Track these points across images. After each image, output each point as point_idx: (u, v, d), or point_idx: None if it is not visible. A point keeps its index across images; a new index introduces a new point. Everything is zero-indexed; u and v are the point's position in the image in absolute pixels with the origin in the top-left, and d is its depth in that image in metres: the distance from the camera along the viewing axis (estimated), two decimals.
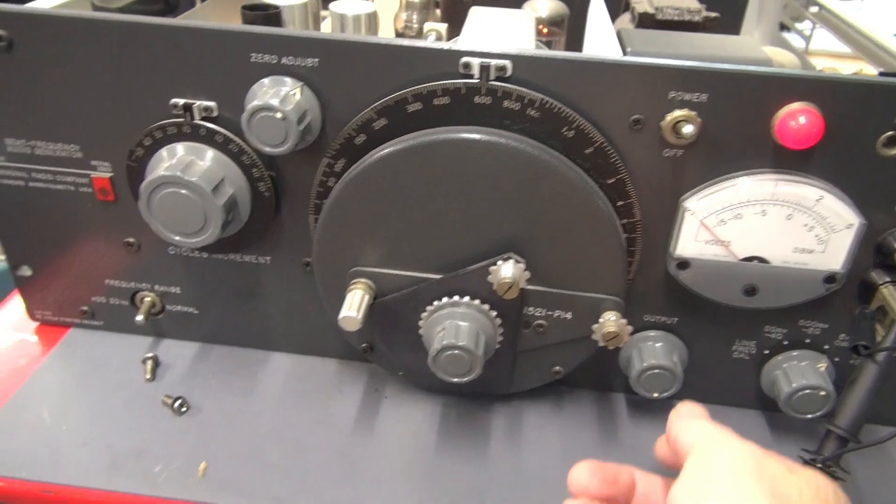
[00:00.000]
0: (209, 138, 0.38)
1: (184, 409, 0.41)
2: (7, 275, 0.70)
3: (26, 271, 0.45)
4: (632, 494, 0.32)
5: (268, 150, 0.35)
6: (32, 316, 0.47)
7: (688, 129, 0.33)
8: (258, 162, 0.38)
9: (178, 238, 0.38)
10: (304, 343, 0.46)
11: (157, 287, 0.44)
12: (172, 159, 0.37)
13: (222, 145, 0.38)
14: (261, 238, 0.41)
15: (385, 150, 0.35)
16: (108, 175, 0.40)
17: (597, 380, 0.44)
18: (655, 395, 0.40)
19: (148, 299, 0.45)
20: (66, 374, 0.44)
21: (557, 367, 0.41)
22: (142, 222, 0.41)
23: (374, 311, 0.39)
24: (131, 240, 0.43)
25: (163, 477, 0.37)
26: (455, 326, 0.36)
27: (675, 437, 0.30)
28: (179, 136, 0.38)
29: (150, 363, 0.44)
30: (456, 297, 0.38)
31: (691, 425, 0.29)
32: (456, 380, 0.37)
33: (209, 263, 0.43)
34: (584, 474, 0.31)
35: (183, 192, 0.36)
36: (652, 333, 0.41)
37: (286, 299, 0.44)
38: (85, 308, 0.46)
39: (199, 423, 0.41)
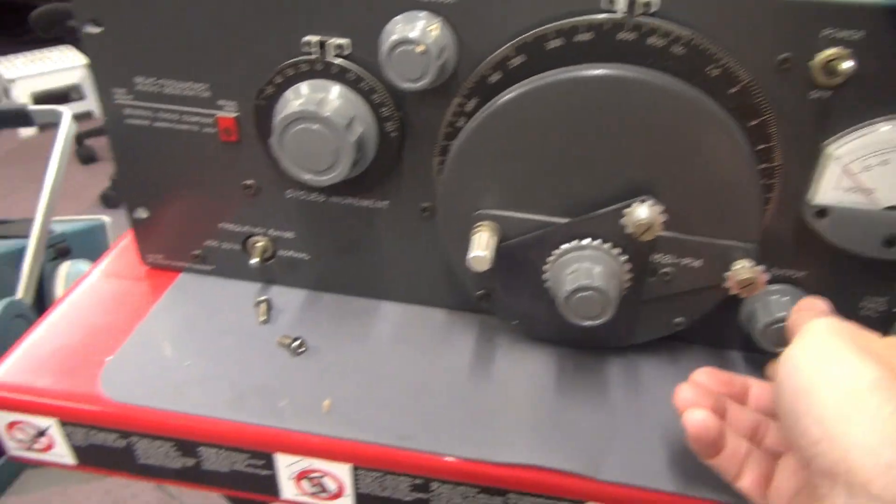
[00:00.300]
0: (340, 76, 0.38)
1: (301, 350, 0.41)
2: (99, 230, 0.72)
3: (143, 213, 0.45)
4: (746, 396, 0.36)
5: (406, 85, 0.35)
6: (144, 259, 0.48)
7: (847, 65, 0.32)
8: (388, 101, 0.38)
9: (308, 176, 0.38)
10: (414, 292, 0.45)
11: (270, 232, 0.45)
12: (304, 96, 0.37)
13: (353, 83, 0.38)
14: (381, 181, 0.41)
15: (523, 88, 0.35)
16: (234, 115, 0.40)
17: (712, 336, 0.43)
18: (781, 349, 0.39)
19: (260, 244, 0.45)
20: (180, 315, 0.44)
21: (679, 319, 0.40)
22: (262, 164, 0.42)
23: (496, 255, 0.38)
24: (250, 182, 0.43)
25: (288, 411, 0.38)
26: (588, 267, 0.36)
27: (792, 327, 0.34)
28: (311, 74, 0.38)
29: (263, 306, 0.44)
30: (585, 241, 0.37)
31: (808, 315, 0.34)
32: (587, 323, 0.36)
33: (325, 208, 0.43)
34: (703, 374, 0.36)
35: (316, 127, 0.36)
36: (777, 287, 0.40)
37: (400, 246, 0.44)
38: (197, 252, 0.46)
39: (317, 364, 0.41)
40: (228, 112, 0.40)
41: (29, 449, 0.40)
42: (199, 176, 0.43)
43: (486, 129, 0.36)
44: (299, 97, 0.37)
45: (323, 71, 0.38)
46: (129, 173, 0.44)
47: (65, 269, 0.59)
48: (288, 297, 0.46)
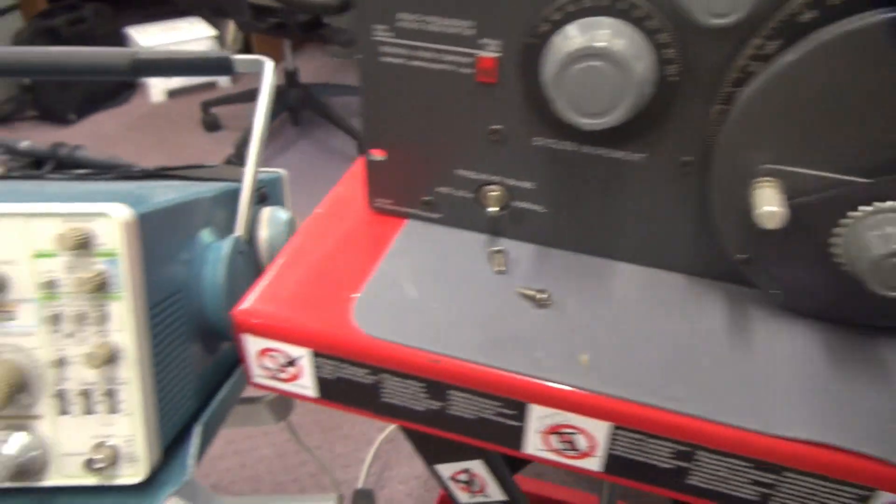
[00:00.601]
0: (627, 13, 0.35)
1: (547, 302, 0.40)
2: (279, 181, 0.74)
3: (379, 155, 0.45)
4: None
5: (713, 21, 0.33)
6: (371, 203, 0.48)
7: None
8: (674, 42, 0.35)
9: (584, 120, 0.36)
10: (655, 254, 0.43)
11: (507, 181, 0.43)
12: (588, 33, 0.35)
13: (639, 21, 0.35)
14: (643, 130, 0.39)
15: (847, 27, 0.32)
16: (496, 55, 0.39)
17: None
18: None
19: (495, 194, 0.44)
20: (417, 259, 0.44)
21: None
22: (514, 108, 0.40)
23: None
24: (497, 127, 0.42)
25: (546, 362, 0.36)
26: None
27: None
28: (593, 11, 0.36)
29: (500, 256, 0.43)
30: (888, 203, 0.34)
31: None
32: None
33: (574, 158, 0.41)
34: None
35: (600, 65, 0.34)
36: None
37: (649, 203, 0.41)
38: (427, 199, 0.46)
39: (565, 317, 0.39)
40: (491, 52, 0.39)
41: (273, 378, 0.41)
42: (446, 119, 0.42)
43: (790, 75, 0.33)
44: (582, 33, 0.35)
45: (607, 7, 0.36)
46: (373, 114, 0.44)
47: (266, 213, 0.60)
48: (517, 251, 0.45)
